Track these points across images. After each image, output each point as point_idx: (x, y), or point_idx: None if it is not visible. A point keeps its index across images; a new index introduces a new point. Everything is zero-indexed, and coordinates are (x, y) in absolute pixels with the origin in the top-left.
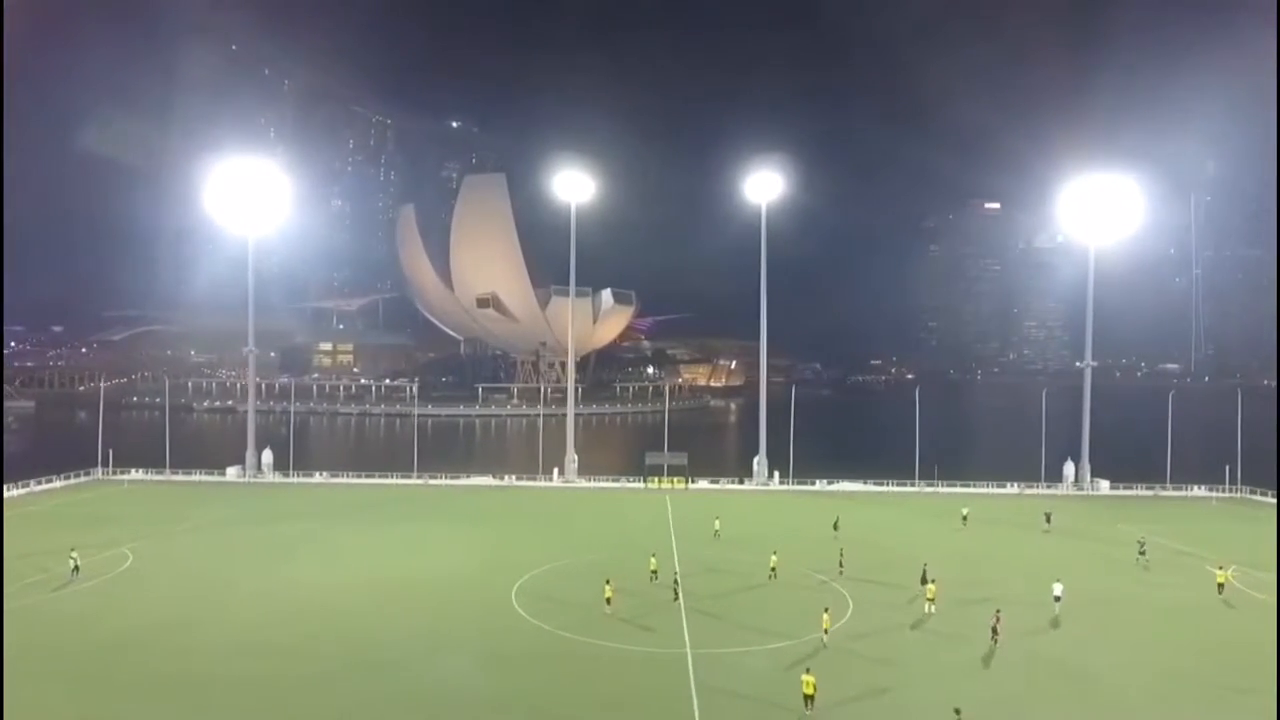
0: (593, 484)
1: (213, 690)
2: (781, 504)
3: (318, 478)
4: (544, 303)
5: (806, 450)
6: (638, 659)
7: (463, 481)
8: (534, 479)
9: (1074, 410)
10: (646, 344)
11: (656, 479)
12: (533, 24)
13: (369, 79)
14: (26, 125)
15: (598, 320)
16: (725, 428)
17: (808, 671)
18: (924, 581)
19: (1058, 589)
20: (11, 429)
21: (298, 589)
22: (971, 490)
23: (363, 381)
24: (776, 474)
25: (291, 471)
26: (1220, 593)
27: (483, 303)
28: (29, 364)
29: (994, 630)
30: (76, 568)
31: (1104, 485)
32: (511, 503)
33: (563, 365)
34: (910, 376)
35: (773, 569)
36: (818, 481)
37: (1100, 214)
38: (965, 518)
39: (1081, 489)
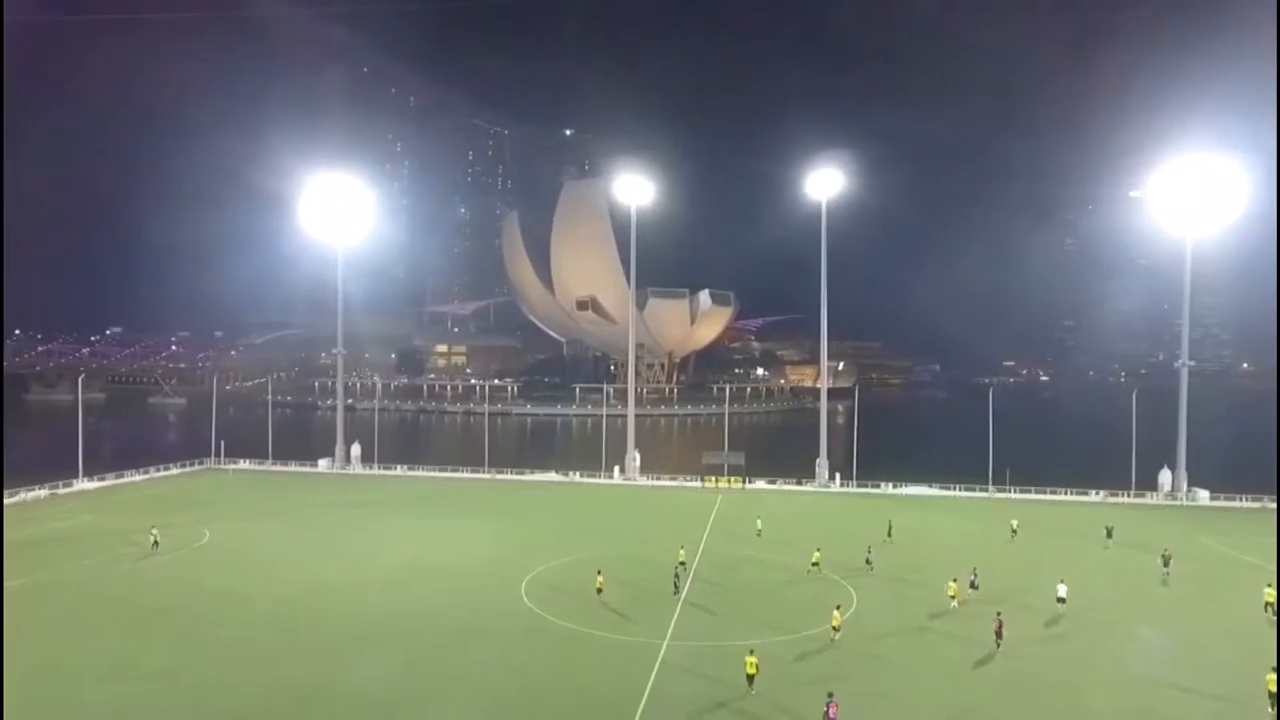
0: (651, 482)
1: (223, 651)
2: (834, 505)
3: (398, 470)
4: (641, 304)
5: (888, 453)
6: (609, 645)
7: (528, 477)
8: (595, 476)
9: (1221, 417)
10: (757, 345)
11: (714, 478)
12: (640, 32)
13: (489, 93)
14: (201, 157)
15: (695, 321)
16: (816, 430)
17: (751, 653)
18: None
19: (1061, 590)
20: (168, 422)
21: (333, 569)
22: (1046, 498)
23: (471, 382)
24: (838, 476)
25: (376, 464)
26: (1266, 611)
27: (582, 305)
28: (182, 365)
29: (997, 634)
30: (156, 542)
31: (1202, 495)
32: (564, 498)
33: (662, 366)
34: (1045, 378)
35: (815, 563)
36: (883, 485)
37: (1202, 201)
38: (1015, 530)
39: (1176, 499)
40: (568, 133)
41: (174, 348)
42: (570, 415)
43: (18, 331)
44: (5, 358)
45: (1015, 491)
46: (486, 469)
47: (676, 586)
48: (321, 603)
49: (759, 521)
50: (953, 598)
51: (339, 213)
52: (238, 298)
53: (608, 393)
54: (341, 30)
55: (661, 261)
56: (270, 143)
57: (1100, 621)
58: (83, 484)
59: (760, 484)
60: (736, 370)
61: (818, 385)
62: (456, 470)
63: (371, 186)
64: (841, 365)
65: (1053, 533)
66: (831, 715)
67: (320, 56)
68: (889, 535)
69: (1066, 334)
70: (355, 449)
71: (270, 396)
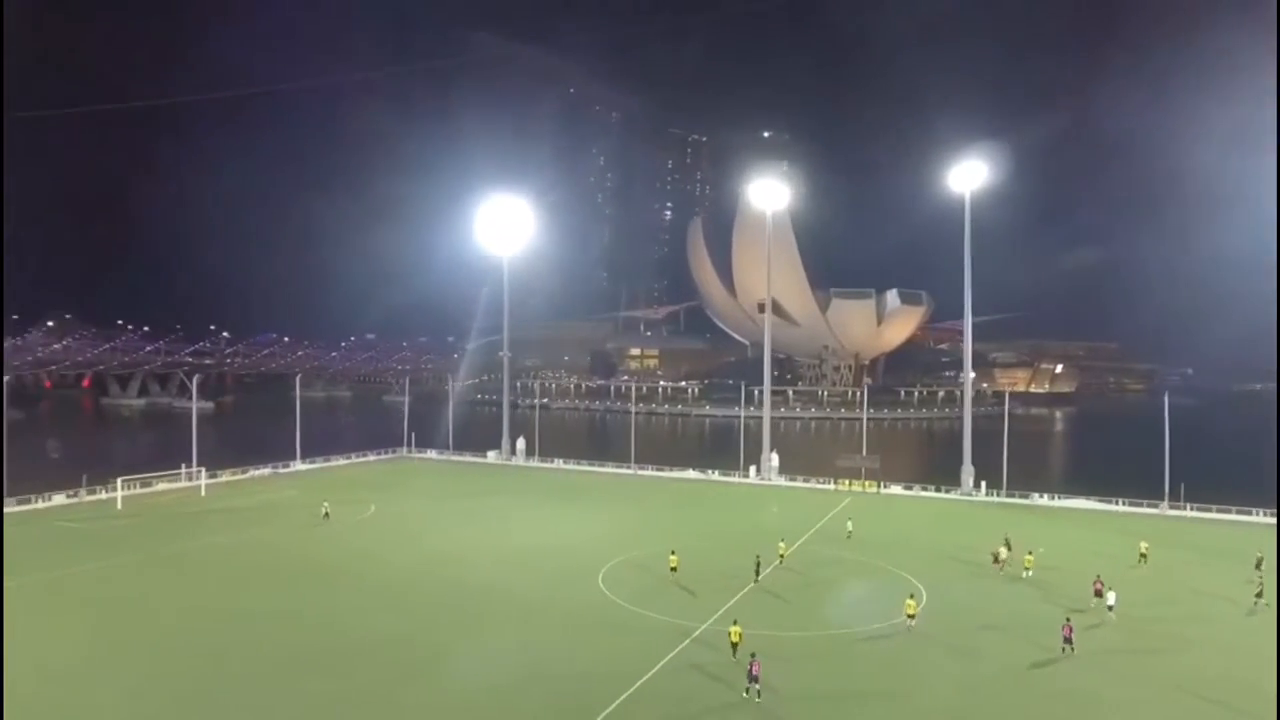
0: (784, 482)
1: (341, 601)
2: (960, 513)
3: (555, 463)
4: (824, 306)
5: (1080, 463)
6: (651, 624)
7: (665, 474)
8: (730, 475)
9: None
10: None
11: (847, 481)
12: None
13: (688, 102)
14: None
15: (883, 322)
16: (1015, 437)
17: (735, 623)
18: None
19: (1111, 598)
20: (393, 416)
21: (455, 543)
22: (1230, 518)
23: (658, 384)
24: (983, 484)
25: (536, 457)
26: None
27: (763, 307)
28: (407, 367)
29: (1066, 639)
30: (327, 514)
31: None
32: (689, 493)
33: (849, 368)
34: None
35: (781, 556)
36: (1036, 495)
37: None
38: (1144, 554)
39: None
40: (765, 134)
41: (404, 350)
42: (746, 417)
43: (286, 338)
44: (277, 359)
45: (1192, 509)
46: (631, 465)
47: (757, 574)
48: (433, 570)
49: (849, 523)
50: (1027, 568)
51: (506, 226)
52: (460, 306)
53: (788, 395)
54: (550, 57)
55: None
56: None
57: (1176, 641)
58: (298, 465)
59: (896, 489)
60: (946, 374)
61: (1033, 389)
62: (604, 465)
63: (578, 200)
64: (1060, 368)
65: (1209, 554)
66: (754, 672)
67: (532, 83)
68: (1007, 547)
69: None
70: (520, 443)
71: (476, 395)
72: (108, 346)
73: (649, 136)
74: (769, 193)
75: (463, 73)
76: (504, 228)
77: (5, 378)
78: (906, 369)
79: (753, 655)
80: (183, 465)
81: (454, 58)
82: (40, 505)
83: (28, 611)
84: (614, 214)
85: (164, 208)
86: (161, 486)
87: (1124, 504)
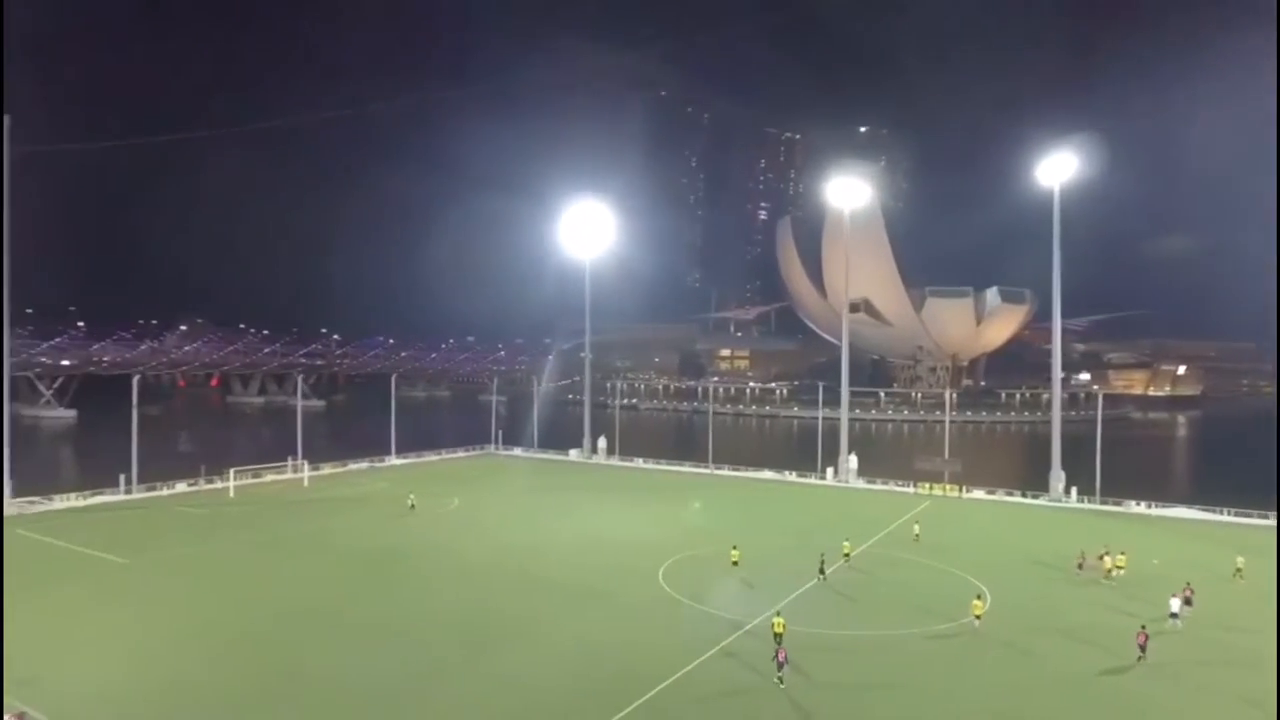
0: (862, 485)
1: (409, 585)
2: (1041, 519)
3: (636, 462)
4: (919, 305)
5: (1188, 469)
6: (698, 615)
7: (742, 474)
8: (807, 476)
9: None
10: (1080, 347)
11: (928, 484)
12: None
13: (780, 100)
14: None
15: (982, 322)
16: (1125, 442)
17: (778, 615)
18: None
19: (1175, 605)
20: (486, 414)
21: (528, 534)
22: None
23: (748, 386)
24: (1074, 490)
25: (617, 455)
26: None
27: (854, 307)
28: (501, 368)
29: (1141, 648)
30: (413, 505)
31: None
32: (764, 493)
33: (945, 370)
34: None
35: (845, 554)
36: (1132, 503)
37: None
38: (1240, 569)
39: None
40: (861, 129)
41: (500, 352)
42: (828, 418)
43: (391, 341)
44: (381, 360)
45: None
46: (708, 464)
47: (822, 572)
48: (503, 559)
49: (916, 526)
50: (1119, 568)
51: (590, 231)
52: (555, 309)
53: (879, 397)
54: (644, 62)
55: (954, 259)
56: (581, 171)
57: (1253, 656)
58: (392, 460)
59: (978, 493)
60: (1049, 375)
61: (1150, 391)
62: (681, 464)
63: (670, 202)
64: (1183, 369)
65: None
66: (780, 659)
67: (626, 88)
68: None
69: None
70: (601, 441)
71: (567, 396)
72: (231, 349)
73: (742, 136)
74: (856, 190)
75: (559, 80)
76: (588, 232)
77: (135, 377)
78: (1011, 371)
79: (778, 643)
80: (288, 458)
81: (551, 69)
82: (164, 492)
83: (150, 585)
84: (706, 215)
85: (282, 219)
86: (269, 477)
87: (1231, 514)
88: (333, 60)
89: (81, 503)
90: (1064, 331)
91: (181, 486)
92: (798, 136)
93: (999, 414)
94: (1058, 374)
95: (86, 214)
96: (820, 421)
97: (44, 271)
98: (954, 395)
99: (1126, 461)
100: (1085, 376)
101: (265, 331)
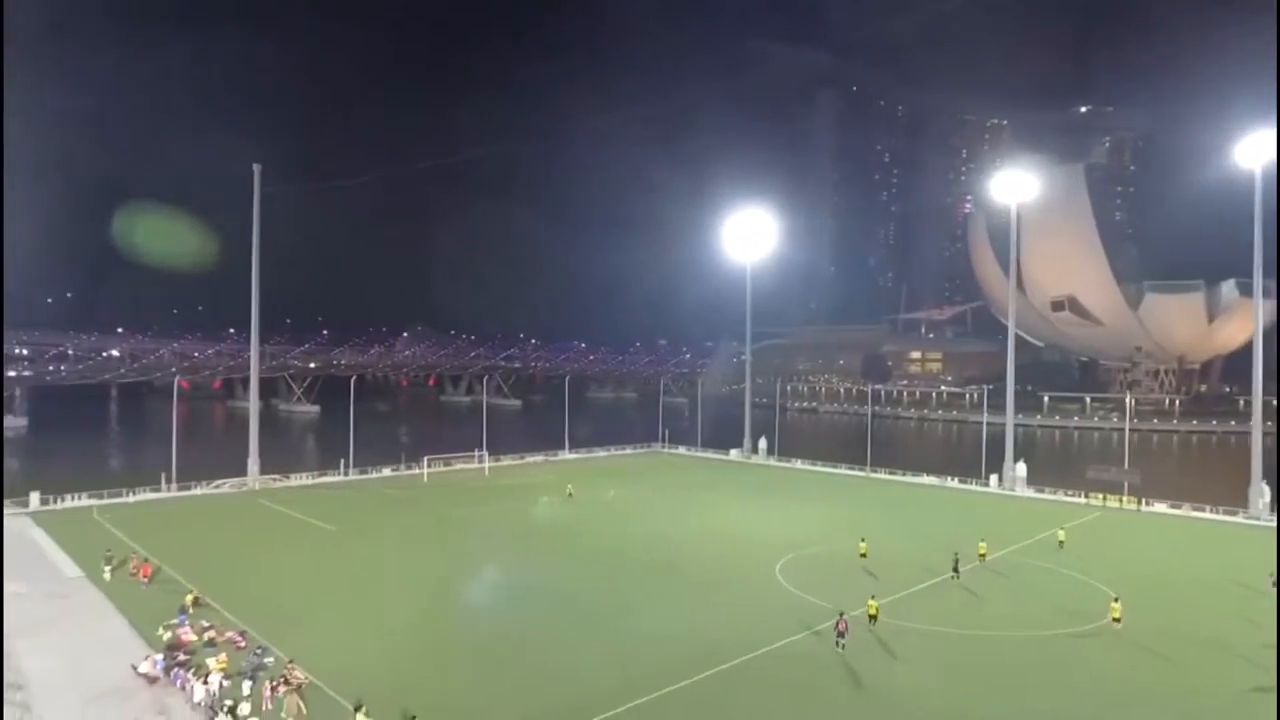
0: (1029, 493)
1: (545, 562)
2: (1234, 537)
3: (794, 463)
4: (1136, 301)
5: None
6: (806, 606)
7: (898, 478)
8: (968, 483)
9: None
10: None
11: (1101, 495)
12: None
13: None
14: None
15: (1216, 319)
16: None
17: (873, 598)
18: None
19: None
20: (669, 414)
21: (663, 525)
22: None
23: (941, 389)
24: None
25: (776, 456)
26: None
27: (1057, 305)
28: (685, 370)
29: None
30: (570, 494)
31: None
32: (917, 497)
33: (1171, 373)
34: None
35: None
36: None
37: None
38: None
39: None
40: (1082, 110)
41: (684, 354)
42: (1033, 425)
43: (583, 344)
44: (572, 362)
45: None
46: (866, 467)
47: (955, 571)
48: (632, 547)
49: (1061, 533)
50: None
51: (754, 233)
52: (739, 311)
53: (1085, 403)
54: (835, 58)
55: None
56: (773, 171)
57: None
58: (565, 454)
59: (1161, 506)
60: None
61: None
62: (838, 467)
63: (861, 200)
64: None
65: None
66: (841, 629)
67: (816, 86)
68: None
69: None
70: (762, 442)
71: (749, 398)
72: (444, 352)
73: (938, 126)
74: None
75: (750, 80)
76: (752, 236)
77: (354, 378)
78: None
79: (840, 614)
80: (475, 450)
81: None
82: (373, 475)
83: (349, 547)
84: (900, 212)
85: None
86: (458, 466)
87: None
88: (516, 94)
89: (310, 481)
90: None
91: (387, 471)
92: (1004, 122)
93: (1233, 423)
94: (1258, 380)
95: (336, 242)
96: (985, 426)
97: (297, 291)
98: (1178, 402)
99: None
100: None
101: (472, 336)
